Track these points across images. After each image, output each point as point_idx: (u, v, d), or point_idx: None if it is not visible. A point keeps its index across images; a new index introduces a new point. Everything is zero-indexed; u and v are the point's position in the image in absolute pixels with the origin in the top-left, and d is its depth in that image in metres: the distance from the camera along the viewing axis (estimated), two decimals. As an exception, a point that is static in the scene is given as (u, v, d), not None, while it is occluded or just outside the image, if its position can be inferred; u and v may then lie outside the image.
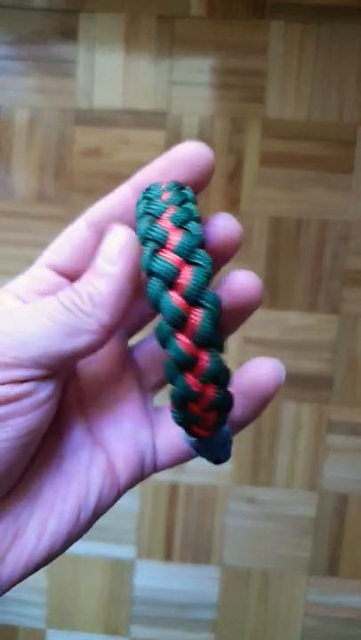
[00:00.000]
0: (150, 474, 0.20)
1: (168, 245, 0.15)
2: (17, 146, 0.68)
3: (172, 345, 0.15)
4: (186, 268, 0.15)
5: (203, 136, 0.66)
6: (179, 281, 0.15)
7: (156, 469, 0.20)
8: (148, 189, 0.17)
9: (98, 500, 0.18)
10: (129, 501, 0.71)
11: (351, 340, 0.68)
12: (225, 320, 0.17)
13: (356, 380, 0.69)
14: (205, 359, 0.15)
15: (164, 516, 0.72)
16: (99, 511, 0.19)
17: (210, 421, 0.16)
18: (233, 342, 0.69)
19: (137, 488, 0.71)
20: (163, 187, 0.17)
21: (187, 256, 0.15)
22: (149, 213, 0.16)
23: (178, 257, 0.15)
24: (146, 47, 0.66)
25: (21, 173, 0.69)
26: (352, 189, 0.66)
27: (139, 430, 0.20)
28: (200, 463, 0.71)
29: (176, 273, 0.15)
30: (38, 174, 0.69)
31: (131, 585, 0.73)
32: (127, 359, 0.21)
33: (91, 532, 0.70)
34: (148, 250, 0.16)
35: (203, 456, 0.18)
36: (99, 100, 0.67)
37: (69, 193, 0.68)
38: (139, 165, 0.18)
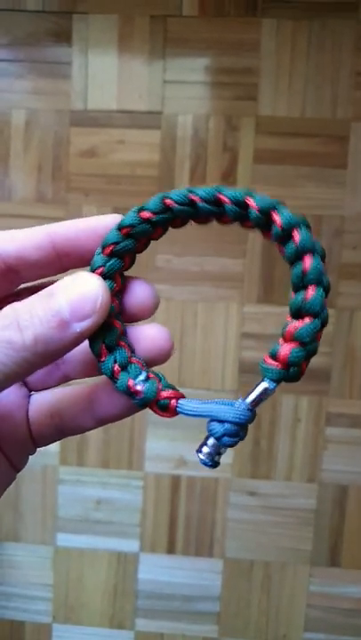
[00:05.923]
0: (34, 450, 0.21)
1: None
2: (14, 148, 0.69)
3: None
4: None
5: (197, 135, 0.67)
6: None
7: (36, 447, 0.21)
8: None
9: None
10: (132, 496, 0.72)
11: (348, 333, 0.69)
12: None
13: (354, 372, 0.69)
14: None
15: (166, 510, 0.73)
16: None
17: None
18: (231, 337, 0.69)
19: (139, 483, 0.72)
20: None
21: None
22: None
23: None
24: (139, 47, 0.67)
25: (19, 175, 0.69)
26: (346, 184, 0.67)
27: (17, 427, 0.19)
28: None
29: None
30: (36, 175, 0.69)
31: (135, 579, 0.74)
32: None
33: (95, 527, 0.71)
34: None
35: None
36: (93, 100, 0.68)
37: (67, 194, 0.69)
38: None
